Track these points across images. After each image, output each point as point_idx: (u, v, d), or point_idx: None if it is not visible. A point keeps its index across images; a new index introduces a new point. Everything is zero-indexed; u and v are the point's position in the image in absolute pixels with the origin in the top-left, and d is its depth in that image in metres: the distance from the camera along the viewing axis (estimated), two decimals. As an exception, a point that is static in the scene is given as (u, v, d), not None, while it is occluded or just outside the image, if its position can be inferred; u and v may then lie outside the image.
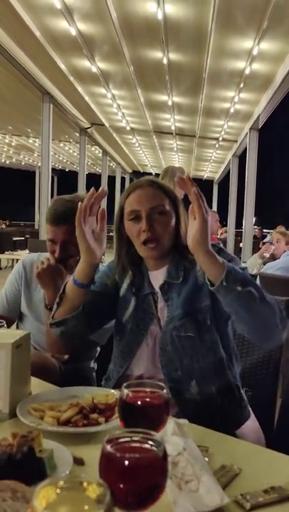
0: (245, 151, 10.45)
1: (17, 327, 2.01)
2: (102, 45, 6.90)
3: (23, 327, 1.98)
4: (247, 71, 7.00)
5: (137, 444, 0.63)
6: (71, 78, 8.47)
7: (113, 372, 1.48)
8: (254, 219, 11.30)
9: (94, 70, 7.77)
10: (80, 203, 1.33)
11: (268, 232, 9.64)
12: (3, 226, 15.40)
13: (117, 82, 8.58)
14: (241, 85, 7.75)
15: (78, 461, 0.92)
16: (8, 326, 1.99)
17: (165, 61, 6.98)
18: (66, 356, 1.73)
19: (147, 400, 0.84)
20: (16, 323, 2.04)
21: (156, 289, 1.43)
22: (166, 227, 1.39)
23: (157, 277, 1.44)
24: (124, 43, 6.63)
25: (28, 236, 11.87)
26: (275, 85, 7.34)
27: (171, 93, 8.75)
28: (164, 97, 9.09)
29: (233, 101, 8.70)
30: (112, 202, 17.05)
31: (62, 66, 7.85)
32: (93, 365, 1.95)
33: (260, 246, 5.44)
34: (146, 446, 0.62)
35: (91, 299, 1.42)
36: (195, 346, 1.36)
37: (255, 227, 14.42)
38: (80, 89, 9.15)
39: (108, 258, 2.08)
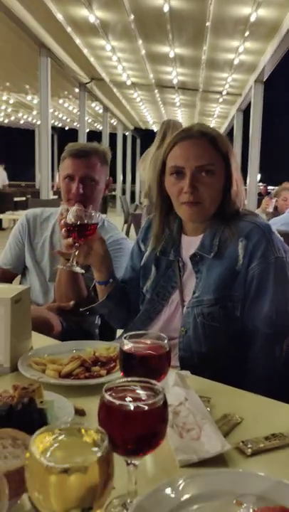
0: (249, 105, 10.14)
1: (20, 283, 2.01)
2: (100, -10, 6.56)
3: (26, 283, 1.98)
4: (252, 18, 6.67)
5: (137, 392, 0.62)
6: (68, 29, 8.11)
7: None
8: (259, 176, 11.12)
9: (92, 19, 7.43)
10: None
11: (273, 189, 9.50)
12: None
13: (117, 32, 8.21)
14: (246, 34, 7.42)
15: (80, 412, 0.93)
16: (11, 281, 1.99)
17: (166, 9, 6.65)
18: (72, 302, 1.72)
19: (148, 350, 0.83)
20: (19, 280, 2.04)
21: (185, 257, 1.36)
22: (212, 189, 1.27)
23: (191, 245, 1.35)
24: (123, -11, 6.30)
25: (29, 196, 11.78)
26: (281, 33, 7.02)
27: (173, 44, 8.40)
28: (165, 49, 8.74)
29: (238, 51, 8.36)
30: (114, 160, 16.77)
31: (59, 16, 7.50)
32: (97, 320, 1.95)
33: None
34: (146, 393, 0.61)
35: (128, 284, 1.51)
36: (218, 337, 1.28)
37: (260, 184, 14.23)
38: (78, 41, 8.78)
39: (111, 217, 2.05)
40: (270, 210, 4.37)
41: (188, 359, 1.30)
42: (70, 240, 1.33)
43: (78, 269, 1.38)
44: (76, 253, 1.34)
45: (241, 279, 1.26)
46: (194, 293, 1.31)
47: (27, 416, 0.81)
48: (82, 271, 1.45)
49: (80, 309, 1.56)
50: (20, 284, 1.99)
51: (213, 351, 1.29)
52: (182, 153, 1.27)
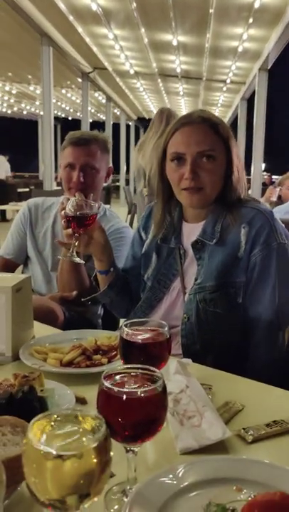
0: (253, 93, 10.04)
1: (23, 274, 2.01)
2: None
3: (28, 274, 1.97)
4: (256, 4, 6.57)
5: (135, 379, 0.61)
6: (70, 18, 8.03)
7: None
8: (263, 165, 11.04)
9: (94, 7, 7.34)
10: None
11: (277, 179, 9.44)
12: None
13: (119, 20, 8.12)
14: (250, 20, 7.31)
15: (81, 401, 0.93)
16: (14, 271, 1.99)
17: (169, -5, 6.56)
18: (74, 293, 1.72)
19: (148, 337, 0.83)
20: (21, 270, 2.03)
21: (186, 244, 1.35)
22: (213, 175, 1.26)
23: (192, 232, 1.34)
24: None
25: (32, 187, 11.78)
26: (285, 20, 6.92)
27: (176, 32, 8.30)
28: (168, 37, 8.64)
29: (242, 38, 8.25)
30: (117, 150, 16.71)
31: (61, 4, 7.43)
32: (100, 311, 1.95)
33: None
34: (144, 380, 0.61)
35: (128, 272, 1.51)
36: (220, 323, 1.27)
37: (264, 173, 14.13)
38: (80, 29, 8.69)
39: (114, 208, 2.04)
40: (274, 199, 4.33)
41: (190, 346, 1.29)
42: (70, 230, 1.33)
43: (78, 260, 1.37)
44: (76, 243, 1.34)
45: (243, 265, 1.25)
46: (196, 279, 1.31)
47: (27, 404, 0.80)
48: (82, 261, 1.45)
49: (82, 299, 1.56)
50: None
51: (215, 338, 1.29)
52: (183, 139, 1.26)
